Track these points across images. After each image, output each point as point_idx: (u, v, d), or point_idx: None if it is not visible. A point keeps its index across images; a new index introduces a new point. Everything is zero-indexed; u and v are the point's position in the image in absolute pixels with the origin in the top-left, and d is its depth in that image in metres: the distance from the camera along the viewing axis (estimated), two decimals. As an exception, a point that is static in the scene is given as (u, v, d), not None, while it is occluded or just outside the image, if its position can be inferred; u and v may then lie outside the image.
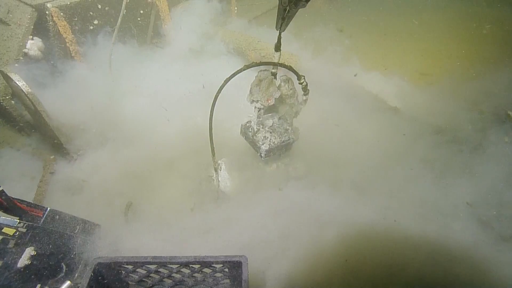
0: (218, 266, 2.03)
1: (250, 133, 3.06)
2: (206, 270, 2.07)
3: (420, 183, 3.09)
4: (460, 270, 2.32)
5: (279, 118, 3.14)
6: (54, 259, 2.14)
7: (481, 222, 2.77)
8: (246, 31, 4.99)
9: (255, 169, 3.34)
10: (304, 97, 3.00)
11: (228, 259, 1.96)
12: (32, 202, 2.24)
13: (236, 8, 5.69)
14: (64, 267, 2.19)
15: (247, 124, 3.12)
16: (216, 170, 3.02)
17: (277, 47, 2.62)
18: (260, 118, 3.01)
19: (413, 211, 2.81)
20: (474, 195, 2.94)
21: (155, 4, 4.78)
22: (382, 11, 5.91)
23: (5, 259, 1.93)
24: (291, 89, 2.91)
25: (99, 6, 4.20)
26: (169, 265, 2.01)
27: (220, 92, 2.60)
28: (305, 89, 2.90)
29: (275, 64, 2.70)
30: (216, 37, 4.93)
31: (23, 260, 1.96)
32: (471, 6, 5.66)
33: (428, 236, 2.54)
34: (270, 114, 3.14)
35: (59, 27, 3.83)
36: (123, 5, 4.24)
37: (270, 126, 3.08)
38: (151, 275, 2.08)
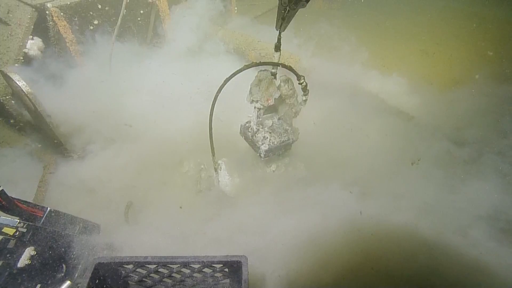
0: (218, 266, 2.03)
1: (249, 133, 3.06)
2: (206, 270, 2.07)
3: (434, 187, 3.01)
4: (473, 280, 2.27)
5: (279, 118, 3.14)
6: (54, 259, 2.14)
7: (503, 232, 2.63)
8: (246, 31, 4.99)
9: (255, 169, 3.34)
10: (304, 97, 2.99)
11: (228, 259, 1.96)
12: (32, 202, 2.24)
13: (236, 8, 5.69)
14: (64, 267, 2.19)
15: (247, 124, 3.12)
16: (216, 170, 3.02)
17: (277, 47, 2.62)
18: (259, 118, 3.00)
19: (425, 215, 2.73)
20: (501, 202, 2.80)
21: (155, 4, 4.78)
22: (382, 11, 5.91)
23: (5, 259, 1.94)
24: (290, 89, 2.91)
25: (99, 6, 4.20)
26: (169, 265, 2.01)
27: (220, 92, 2.60)
28: (305, 89, 2.90)
29: (275, 64, 2.70)
30: (216, 37, 4.93)
31: (23, 260, 1.96)
32: (471, 6, 5.65)
33: (443, 242, 2.48)
34: (269, 114, 3.13)
35: (59, 27, 3.83)
36: (123, 5, 4.24)
37: (270, 126, 3.08)
38: (151, 275, 2.08)
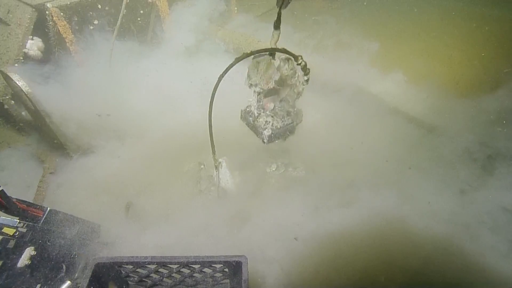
0: (218, 266, 2.03)
1: (250, 119, 2.91)
2: (206, 270, 2.07)
3: (450, 193, 2.93)
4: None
5: (281, 101, 2.94)
6: (54, 259, 2.14)
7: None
8: (246, 31, 4.99)
9: (256, 169, 3.33)
10: (305, 77, 2.79)
11: (228, 259, 1.96)
12: (32, 202, 2.24)
13: (236, 8, 5.68)
14: (64, 267, 2.19)
15: (247, 109, 2.96)
16: (216, 168, 2.95)
17: (277, 25, 2.47)
18: (260, 102, 2.84)
19: (436, 221, 2.68)
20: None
21: (155, 4, 4.78)
22: (382, 11, 5.90)
23: (5, 259, 1.94)
24: (291, 69, 2.73)
25: (99, 6, 4.20)
26: (169, 265, 2.01)
27: (216, 90, 2.53)
28: (305, 69, 2.70)
29: (267, 51, 2.54)
30: (216, 36, 4.93)
31: (23, 260, 1.96)
32: (471, 6, 5.64)
33: (463, 253, 2.42)
34: (271, 97, 2.93)
35: (59, 27, 3.83)
36: (123, 5, 4.24)
37: (272, 110, 2.91)
38: (151, 275, 2.08)
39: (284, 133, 2.94)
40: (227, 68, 2.47)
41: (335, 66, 4.28)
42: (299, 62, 2.64)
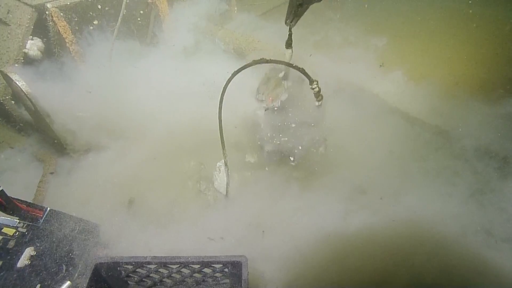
0: (218, 266, 2.03)
1: (264, 140, 2.87)
2: (206, 270, 2.07)
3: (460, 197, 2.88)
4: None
5: (296, 122, 2.85)
6: (54, 259, 2.14)
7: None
8: (246, 31, 4.99)
9: (256, 170, 3.33)
10: (317, 103, 2.71)
11: (228, 259, 1.96)
12: (32, 202, 2.24)
13: (236, 8, 5.68)
14: (64, 267, 2.19)
15: (262, 132, 2.90)
16: (226, 164, 2.86)
17: (288, 44, 2.39)
18: (273, 121, 2.78)
19: (454, 227, 2.64)
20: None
21: (155, 4, 4.79)
22: (382, 12, 5.90)
23: (5, 259, 1.94)
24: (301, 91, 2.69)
25: (99, 6, 4.20)
26: (169, 265, 2.01)
27: (228, 85, 2.49)
28: (318, 95, 2.61)
29: (285, 64, 2.47)
30: (216, 36, 4.93)
31: (23, 260, 1.96)
32: (471, 6, 5.64)
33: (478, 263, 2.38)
34: (284, 118, 2.85)
35: (59, 27, 3.83)
36: (123, 5, 4.24)
37: (288, 131, 2.84)
38: (151, 275, 2.08)
39: (299, 155, 2.87)
40: (242, 67, 2.43)
41: (333, 66, 4.27)
42: (313, 86, 2.56)
